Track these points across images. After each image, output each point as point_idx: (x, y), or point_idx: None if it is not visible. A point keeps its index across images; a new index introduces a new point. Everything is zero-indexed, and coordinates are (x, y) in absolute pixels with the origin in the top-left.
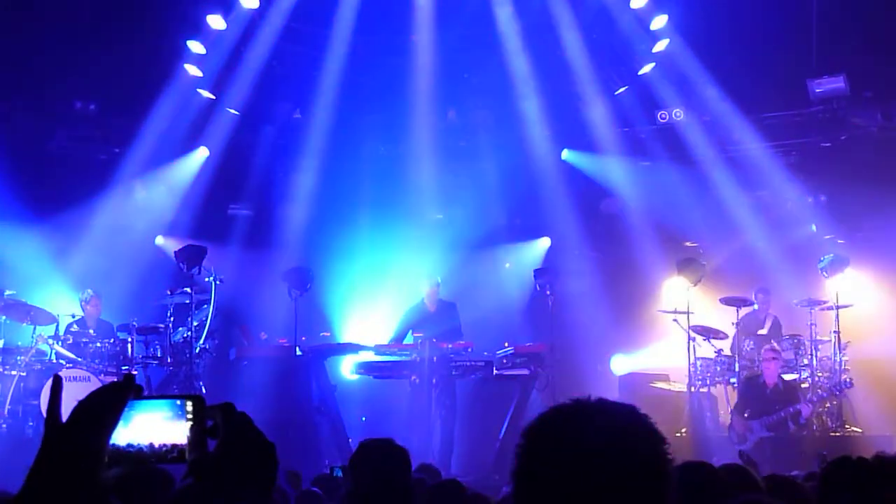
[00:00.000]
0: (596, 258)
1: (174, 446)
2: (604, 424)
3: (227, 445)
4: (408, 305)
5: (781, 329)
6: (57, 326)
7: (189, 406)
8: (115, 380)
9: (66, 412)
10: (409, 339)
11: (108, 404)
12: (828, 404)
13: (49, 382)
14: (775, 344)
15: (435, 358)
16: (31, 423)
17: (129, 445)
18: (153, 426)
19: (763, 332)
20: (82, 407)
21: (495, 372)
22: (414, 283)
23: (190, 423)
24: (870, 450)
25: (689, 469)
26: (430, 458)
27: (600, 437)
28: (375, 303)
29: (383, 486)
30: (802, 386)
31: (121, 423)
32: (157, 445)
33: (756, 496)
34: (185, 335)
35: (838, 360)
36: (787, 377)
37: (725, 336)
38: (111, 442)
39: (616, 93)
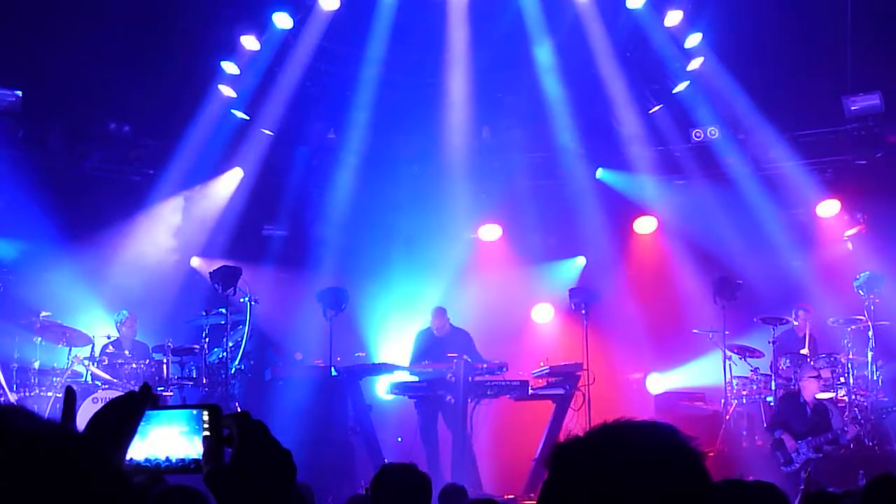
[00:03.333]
0: (631, 277)
1: (192, 459)
2: (639, 446)
3: (242, 455)
4: (416, 331)
5: (817, 347)
6: (92, 348)
7: (205, 416)
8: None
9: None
10: None
11: (124, 416)
12: (865, 422)
13: (83, 406)
14: (820, 363)
15: (470, 378)
16: None
17: (147, 460)
18: (170, 438)
19: (804, 350)
20: (98, 419)
21: (530, 391)
22: (448, 303)
23: (206, 433)
24: None
25: (722, 487)
26: (465, 477)
27: (636, 460)
28: (411, 322)
29: None
30: (839, 404)
31: (138, 436)
32: (173, 457)
33: None
34: (221, 356)
35: (875, 378)
36: (823, 395)
37: (762, 354)
38: (128, 456)
39: (650, 111)
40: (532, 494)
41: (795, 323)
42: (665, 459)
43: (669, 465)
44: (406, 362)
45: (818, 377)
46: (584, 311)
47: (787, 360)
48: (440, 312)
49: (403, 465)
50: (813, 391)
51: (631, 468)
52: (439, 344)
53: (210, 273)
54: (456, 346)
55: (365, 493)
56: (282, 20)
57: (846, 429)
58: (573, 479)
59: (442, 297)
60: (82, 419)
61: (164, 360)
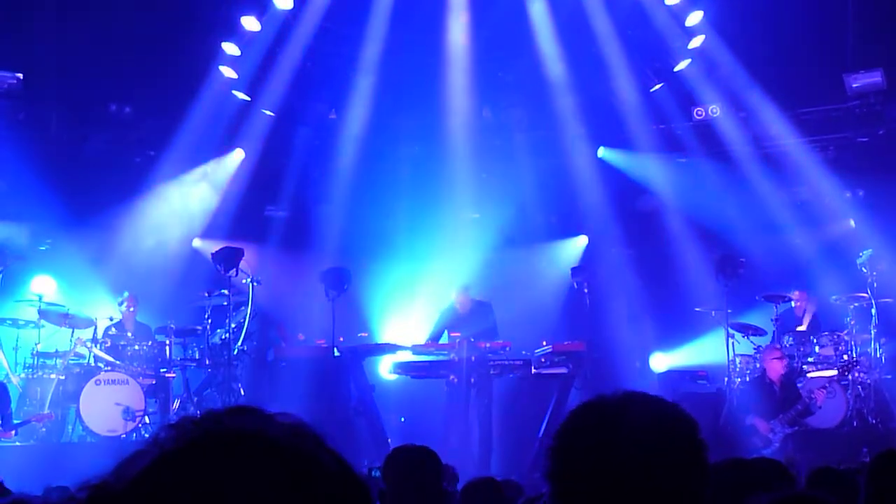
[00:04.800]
0: (633, 256)
1: None
2: (637, 418)
3: None
4: (442, 307)
5: (819, 325)
6: (95, 329)
7: None
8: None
9: (101, 413)
10: (444, 339)
11: None
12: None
13: (85, 388)
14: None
15: (473, 357)
16: (69, 427)
17: None
18: None
19: (802, 328)
20: None
21: (534, 371)
22: (451, 282)
23: None
24: None
25: (723, 466)
26: (469, 458)
27: (634, 431)
28: (413, 302)
29: (414, 492)
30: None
31: None
32: None
33: (796, 491)
34: (223, 337)
35: (878, 355)
36: (827, 373)
37: (764, 332)
38: None
39: (652, 90)
40: (536, 474)
41: (794, 303)
42: (662, 432)
43: (666, 439)
44: (422, 339)
45: (781, 357)
46: (586, 290)
47: (791, 338)
48: (463, 290)
49: (416, 447)
50: (778, 371)
51: (629, 443)
52: (460, 321)
53: (212, 254)
54: (475, 321)
55: (368, 472)
56: (282, 1)
57: (814, 395)
58: (572, 462)
59: (444, 277)
60: (85, 401)
61: (167, 342)
